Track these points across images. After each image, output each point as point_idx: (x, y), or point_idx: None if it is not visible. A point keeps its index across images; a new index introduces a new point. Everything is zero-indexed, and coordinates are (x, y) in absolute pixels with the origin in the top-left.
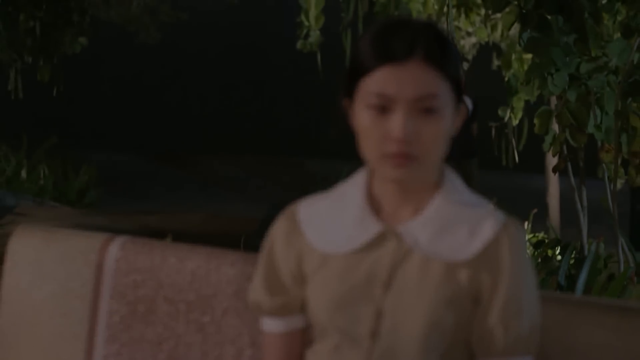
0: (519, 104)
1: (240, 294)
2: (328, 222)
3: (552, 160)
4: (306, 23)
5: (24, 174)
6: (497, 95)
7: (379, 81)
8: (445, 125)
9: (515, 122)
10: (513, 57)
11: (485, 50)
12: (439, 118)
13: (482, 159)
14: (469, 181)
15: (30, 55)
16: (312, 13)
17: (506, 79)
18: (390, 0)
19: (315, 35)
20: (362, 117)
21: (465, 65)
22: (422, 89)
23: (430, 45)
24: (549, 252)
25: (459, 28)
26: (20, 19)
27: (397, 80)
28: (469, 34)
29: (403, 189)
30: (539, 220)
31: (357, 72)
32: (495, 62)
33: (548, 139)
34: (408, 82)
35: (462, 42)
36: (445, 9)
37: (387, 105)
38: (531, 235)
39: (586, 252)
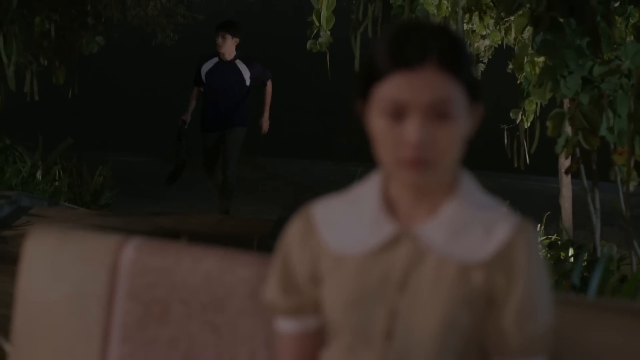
0: (530, 106)
1: (255, 295)
2: (343, 223)
3: (565, 163)
4: (317, 23)
5: (39, 175)
6: (513, 97)
7: (393, 87)
8: (459, 128)
9: (527, 125)
10: (525, 60)
11: (501, 53)
12: (454, 122)
13: (495, 162)
14: None
15: (46, 58)
16: (324, 14)
17: (518, 81)
18: (407, 3)
19: (325, 36)
20: (376, 122)
21: (482, 67)
22: (436, 94)
23: (444, 50)
24: (562, 254)
25: (473, 31)
26: (36, 22)
27: (411, 86)
28: (483, 37)
29: (418, 191)
30: (552, 223)
31: (370, 77)
32: (510, 66)
33: (561, 141)
34: (422, 87)
35: (476, 44)
36: (458, 11)
37: (401, 111)
38: (544, 238)
39: (599, 254)
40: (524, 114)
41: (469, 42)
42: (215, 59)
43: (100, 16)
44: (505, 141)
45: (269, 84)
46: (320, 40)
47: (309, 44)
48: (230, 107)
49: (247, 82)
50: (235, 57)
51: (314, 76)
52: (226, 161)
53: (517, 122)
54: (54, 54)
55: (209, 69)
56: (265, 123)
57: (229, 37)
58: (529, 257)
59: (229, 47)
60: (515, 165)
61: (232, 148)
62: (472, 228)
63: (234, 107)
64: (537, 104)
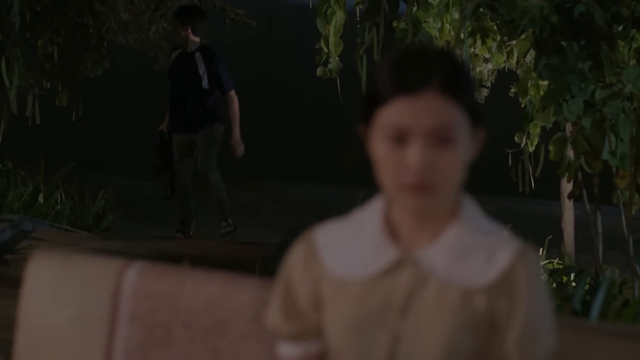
0: (535, 130)
1: (257, 319)
2: (345, 248)
3: (567, 187)
4: (325, 50)
5: (41, 198)
6: (514, 121)
7: (395, 112)
8: (462, 153)
9: (531, 149)
10: (529, 83)
11: (503, 76)
12: (456, 147)
13: (498, 185)
14: None
15: (49, 81)
16: (331, 40)
17: (522, 105)
18: (409, 26)
19: (334, 62)
20: (379, 147)
21: (485, 92)
22: (438, 120)
23: (446, 74)
24: (564, 278)
25: (475, 55)
26: (39, 45)
27: (413, 111)
28: (486, 61)
29: (420, 216)
30: (554, 246)
31: (373, 102)
32: (513, 90)
33: (563, 165)
34: (424, 112)
35: (478, 68)
36: (461, 35)
37: (403, 136)
38: (546, 261)
39: (601, 278)
40: (528, 137)
41: (472, 66)
42: (181, 49)
43: (102, 39)
44: (510, 164)
45: (233, 95)
46: (329, 66)
47: (318, 71)
48: (191, 107)
49: (205, 82)
50: (197, 49)
51: (316, 100)
52: (198, 160)
53: (522, 145)
54: (57, 77)
55: (172, 60)
56: (238, 145)
57: (178, 24)
58: (530, 282)
59: (180, 35)
60: (520, 189)
61: (204, 147)
62: (474, 253)
63: (194, 108)
64: (541, 127)
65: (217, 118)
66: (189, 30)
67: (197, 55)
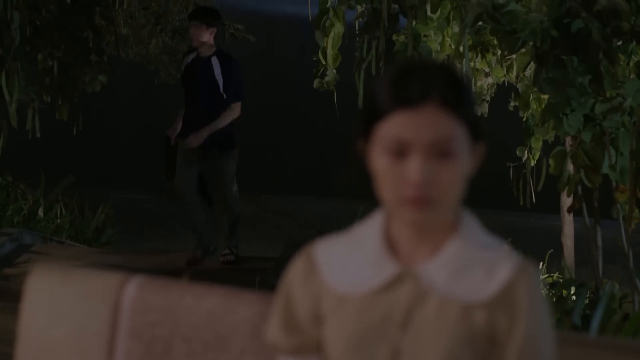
0: (537, 144)
1: (257, 334)
2: (345, 263)
3: (567, 201)
4: (323, 62)
5: (41, 212)
6: (513, 135)
7: (395, 126)
8: (461, 167)
9: (533, 163)
10: (531, 97)
11: (502, 90)
12: (456, 161)
13: (498, 200)
14: None
15: (49, 94)
16: (329, 52)
17: (524, 119)
18: (410, 40)
19: (332, 75)
20: (378, 161)
21: (485, 106)
22: (438, 133)
23: (446, 88)
24: (564, 292)
25: (476, 69)
26: (39, 59)
27: (413, 125)
28: (486, 75)
29: (420, 230)
30: (554, 260)
31: (372, 116)
32: (512, 103)
33: (563, 179)
34: (424, 126)
35: (479, 83)
36: (461, 49)
37: (403, 150)
38: (546, 275)
39: (601, 292)
40: (530, 151)
41: (472, 80)
42: (194, 54)
43: (103, 53)
44: (512, 178)
45: (238, 106)
46: (326, 78)
47: (315, 83)
48: (204, 116)
49: (221, 86)
50: (213, 53)
51: (316, 114)
52: (219, 187)
53: (524, 160)
54: (57, 91)
55: (186, 65)
56: (195, 139)
57: (203, 27)
58: (530, 297)
59: (202, 39)
60: (522, 203)
61: (223, 177)
62: (474, 268)
63: (208, 118)
64: (543, 141)
65: (234, 143)
66: (214, 34)
67: (214, 60)
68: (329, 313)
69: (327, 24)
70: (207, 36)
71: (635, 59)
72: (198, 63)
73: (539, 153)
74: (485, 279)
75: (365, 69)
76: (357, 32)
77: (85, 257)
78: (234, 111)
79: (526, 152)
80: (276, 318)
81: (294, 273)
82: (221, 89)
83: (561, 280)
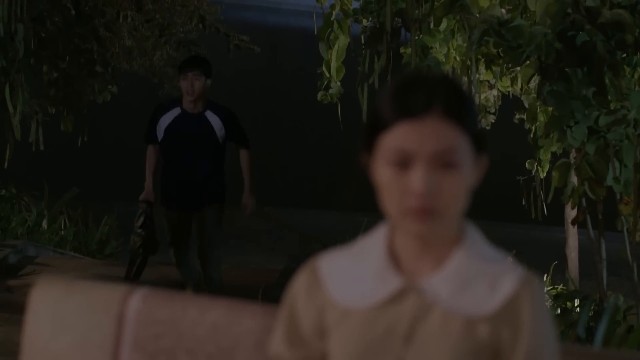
0: (546, 156)
1: (261, 346)
2: (349, 277)
3: (571, 213)
4: (327, 75)
5: (45, 224)
6: (518, 147)
7: (398, 137)
8: (465, 178)
9: (542, 175)
10: (538, 109)
11: (507, 103)
12: (459, 172)
13: (502, 212)
14: None
15: (54, 106)
16: (333, 64)
17: (532, 132)
18: (417, 52)
19: (336, 87)
20: (382, 172)
21: (492, 118)
22: (441, 144)
23: (448, 99)
24: (568, 304)
25: (480, 81)
26: (44, 70)
27: (416, 136)
28: (491, 87)
29: (424, 243)
30: (558, 272)
31: (376, 128)
32: (517, 116)
33: (567, 191)
34: (427, 137)
35: (484, 95)
36: (467, 62)
37: (407, 161)
38: (551, 287)
39: (605, 304)
40: (539, 164)
41: (477, 92)
42: (177, 110)
43: (107, 64)
44: (521, 190)
45: (248, 149)
46: (330, 91)
47: (319, 95)
48: (200, 177)
49: (220, 140)
50: (206, 107)
51: (320, 127)
52: (205, 253)
53: (533, 172)
54: (62, 103)
55: (168, 124)
56: (249, 200)
57: (203, 78)
58: (534, 310)
59: (201, 92)
60: (533, 216)
61: (211, 234)
62: (478, 281)
63: (206, 178)
64: (551, 153)
65: (224, 194)
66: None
67: (210, 114)
68: (332, 326)
69: (331, 37)
70: (205, 88)
71: None
72: (188, 120)
73: (548, 165)
74: (489, 292)
75: (368, 83)
76: (362, 46)
77: (89, 269)
78: (248, 155)
79: (535, 164)
80: (280, 331)
81: (298, 286)
82: (221, 143)
83: (565, 292)
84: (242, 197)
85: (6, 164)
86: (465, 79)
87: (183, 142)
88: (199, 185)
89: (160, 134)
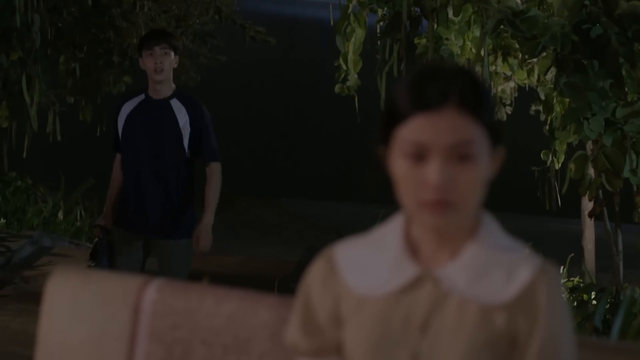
0: (561, 147)
1: (276, 337)
2: (365, 265)
3: (588, 205)
4: (344, 67)
5: (60, 215)
6: (534, 138)
7: (414, 129)
8: (481, 171)
9: (557, 166)
10: (554, 100)
11: (523, 94)
12: (475, 164)
13: (519, 203)
14: None
15: (71, 96)
16: (350, 57)
17: (548, 123)
18: (431, 43)
19: (353, 79)
20: (398, 165)
21: (509, 110)
22: (457, 136)
23: (465, 92)
24: (585, 297)
25: (496, 73)
26: (61, 61)
27: (432, 128)
28: (508, 78)
29: (440, 234)
30: (575, 265)
31: (392, 120)
32: (533, 107)
33: (584, 183)
34: (443, 129)
35: (500, 87)
36: (481, 52)
37: (423, 153)
38: (567, 280)
39: (622, 296)
40: (554, 155)
41: (493, 84)
42: (142, 96)
43: (125, 54)
44: (537, 181)
45: (217, 168)
46: (348, 83)
47: (337, 88)
48: (164, 190)
49: (185, 141)
50: (173, 94)
51: (337, 119)
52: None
53: (548, 163)
54: (79, 93)
55: (129, 113)
56: (204, 236)
57: (171, 53)
58: (551, 299)
59: (170, 70)
60: (547, 207)
61: (182, 274)
62: (494, 270)
63: (172, 192)
64: (567, 144)
65: (194, 221)
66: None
67: (175, 103)
68: (348, 315)
69: (348, 30)
70: (173, 67)
71: None
72: (149, 108)
73: (563, 156)
74: (505, 281)
75: (387, 72)
76: (378, 35)
77: None
78: (217, 174)
79: (550, 155)
80: (296, 320)
81: (314, 275)
82: (185, 145)
83: (582, 284)
84: (196, 230)
85: (24, 153)
86: (479, 70)
87: (140, 138)
88: (161, 199)
89: (120, 126)
